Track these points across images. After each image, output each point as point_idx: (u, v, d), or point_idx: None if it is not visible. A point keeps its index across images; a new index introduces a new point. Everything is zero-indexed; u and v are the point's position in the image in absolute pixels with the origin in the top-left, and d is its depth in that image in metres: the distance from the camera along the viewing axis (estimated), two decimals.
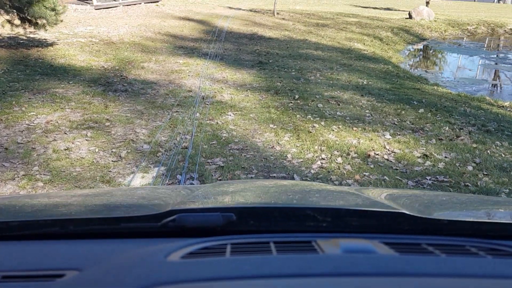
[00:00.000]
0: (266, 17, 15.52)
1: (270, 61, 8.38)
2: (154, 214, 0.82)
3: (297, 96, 5.80)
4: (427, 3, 19.96)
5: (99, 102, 5.11)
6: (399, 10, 21.67)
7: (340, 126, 4.59)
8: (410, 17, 17.48)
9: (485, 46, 14.77)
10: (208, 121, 4.62)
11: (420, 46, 14.06)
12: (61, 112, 4.66)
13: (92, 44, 8.87)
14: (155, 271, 0.58)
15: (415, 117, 5.16)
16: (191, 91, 5.89)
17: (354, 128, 4.54)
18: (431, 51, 13.47)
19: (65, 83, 5.91)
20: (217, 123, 4.59)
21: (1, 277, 0.64)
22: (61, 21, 7.79)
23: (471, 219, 0.95)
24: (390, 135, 4.38)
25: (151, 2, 16.98)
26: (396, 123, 4.86)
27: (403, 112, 5.32)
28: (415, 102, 5.94)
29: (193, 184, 3.16)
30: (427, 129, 4.69)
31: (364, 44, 11.78)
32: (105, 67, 7.05)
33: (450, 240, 0.74)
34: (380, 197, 1.12)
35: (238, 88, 6.21)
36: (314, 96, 5.88)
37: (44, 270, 0.67)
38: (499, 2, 39.14)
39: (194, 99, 5.51)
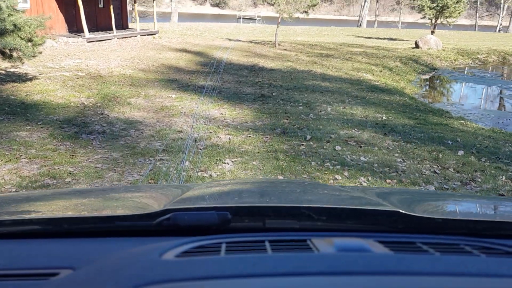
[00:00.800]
0: (267, 48, 14.85)
1: (273, 94, 7.48)
2: (149, 213, 0.80)
3: (308, 137, 4.84)
4: (432, 32, 19.44)
5: (66, 149, 4.13)
6: (402, 40, 21.15)
7: (369, 178, 3.58)
8: (417, 46, 16.83)
9: (501, 75, 13.97)
10: (199, 173, 3.63)
11: (432, 75, 13.26)
12: (13, 164, 3.68)
13: (77, 78, 8.02)
14: (149, 270, 0.57)
15: (457, 162, 4.16)
16: (181, 132, 4.93)
17: (388, 181, 3.54)
18: (445, 81, 12.65)
19: (32, 124, 4.96)
20: (210, 175, 3.59)
21: None
22: (40, 53, 6.97)
23: (466, 218, 0.92)
24: (436, 190, 3.37)
25: (147, 35, 16.41)
26: (437, 171, 3.85)
27: (441, 155, 4.33)
28: (449, 142, 4.96)
29: None
30: (479, 180, 3.68)
31: (373, 74, 10.97)
32: (86, 103, 6.13)
33: (444, 239, 0.73)
34: (375, 196, 1.09)
35: (238, 127, 5.25)
36: (329, 136, 4.92)
37: (38, 269, 0.66)
38: (499, 31, 39.06)
39: (185, 142, 4.54)
